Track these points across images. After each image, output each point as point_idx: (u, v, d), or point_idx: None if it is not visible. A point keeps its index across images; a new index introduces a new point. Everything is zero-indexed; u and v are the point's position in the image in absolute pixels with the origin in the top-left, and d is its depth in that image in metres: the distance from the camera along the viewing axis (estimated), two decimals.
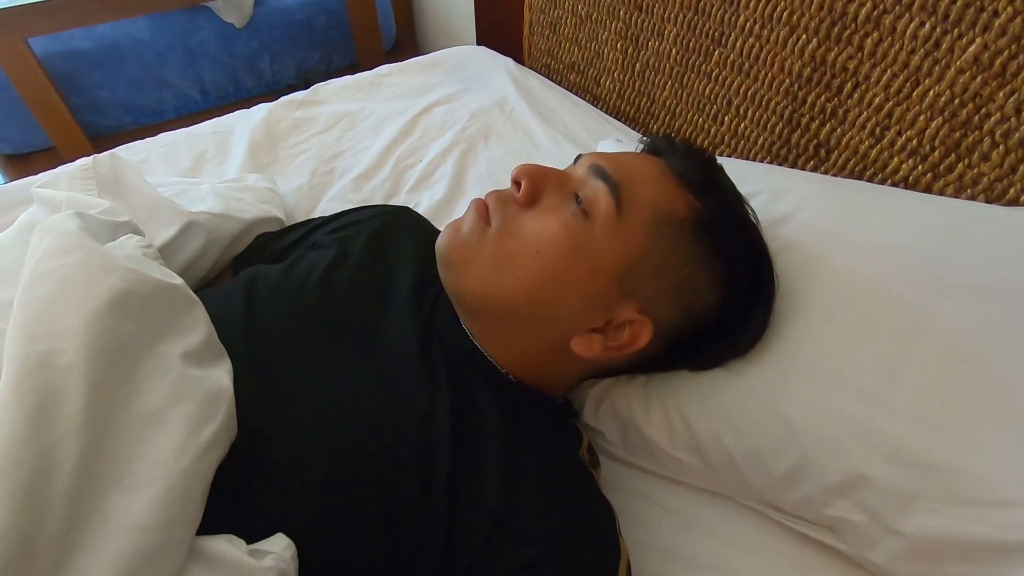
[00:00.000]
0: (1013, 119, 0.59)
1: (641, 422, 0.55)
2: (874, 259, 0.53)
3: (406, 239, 0.61)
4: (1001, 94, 0.59)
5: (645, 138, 0.56)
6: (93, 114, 1.41)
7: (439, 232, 0.69)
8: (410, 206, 0.86)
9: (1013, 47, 0.56)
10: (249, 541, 0.37)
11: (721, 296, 0.49)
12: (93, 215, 0.48)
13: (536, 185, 0.48)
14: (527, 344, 0.50)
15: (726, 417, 0.50)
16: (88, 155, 0.92)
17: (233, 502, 0.39)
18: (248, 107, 1.04)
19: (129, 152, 0.93)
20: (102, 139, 1.41)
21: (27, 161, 1.40)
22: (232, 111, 1.03)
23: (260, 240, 0.69)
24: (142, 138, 0.98)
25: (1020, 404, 0.43)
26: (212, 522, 0.37)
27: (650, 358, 0.52)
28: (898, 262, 0.52)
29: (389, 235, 0.61)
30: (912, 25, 0.63)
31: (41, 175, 0.87)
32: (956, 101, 0.62)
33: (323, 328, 0.50)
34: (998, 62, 0.58)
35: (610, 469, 0.58)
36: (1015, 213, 0.56)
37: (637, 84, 1.01)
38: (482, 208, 0.49)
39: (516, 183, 0.48)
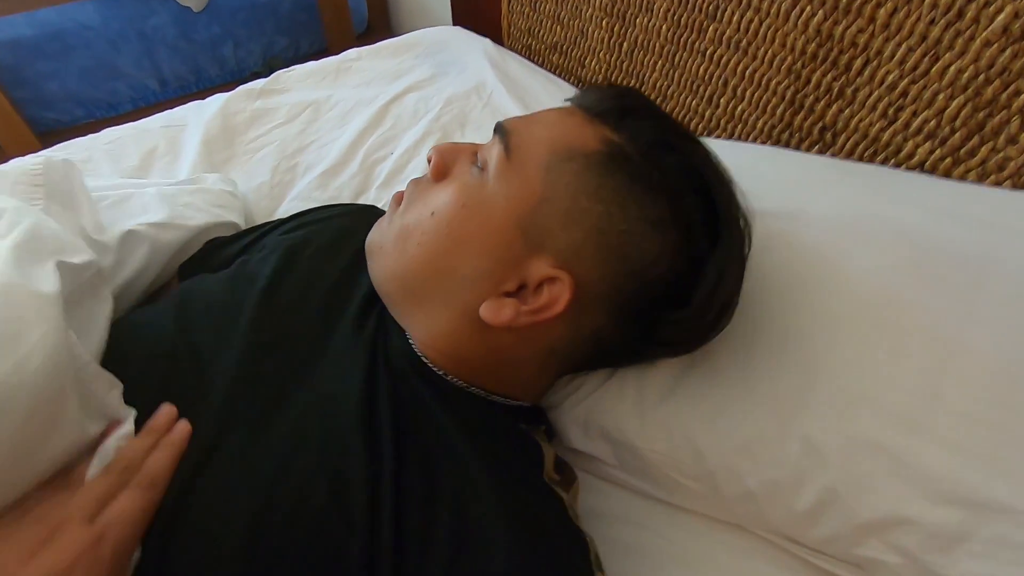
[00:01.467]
0: None
1: (640, 446, 0.49)
2: (901, 259, 0.47)
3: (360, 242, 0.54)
4: None
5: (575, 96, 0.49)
6: (41, 108, 1.31)
7: None
8: (380, 203, 0.79)
9: None
10: None
11: (663, 241, 0.40)
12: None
13: (445, 160, 0.46)
14: (446, 322, 0.44)
15: (741, 443, 0.44)
16: (35, 152, 0.84)
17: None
18: (197, 100, 0.96)
19: (71, 150, 0.85)
20: (52, 134, 1.31)
21: None
22: (193, 100, 0.95)
23: (209, 246, 0.62)
24: (95, 132, 0.89)
25: None
26: None
27: (607, 337, 0.43)
28: (930, 263, 0.46)
29: (347, 239, 0.54)
30: None
31: None
32: (981, 77, 0.56)
33: (258, 354, 0.43)
34: None
35: (601, 493, 0.52)
36: None
37: (625, 65, 0.93)
38: (398, 195, 0.49)
39: (429, 160, 0.46)
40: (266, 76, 1.01)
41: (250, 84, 0.97)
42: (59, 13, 1.25)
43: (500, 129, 0.44)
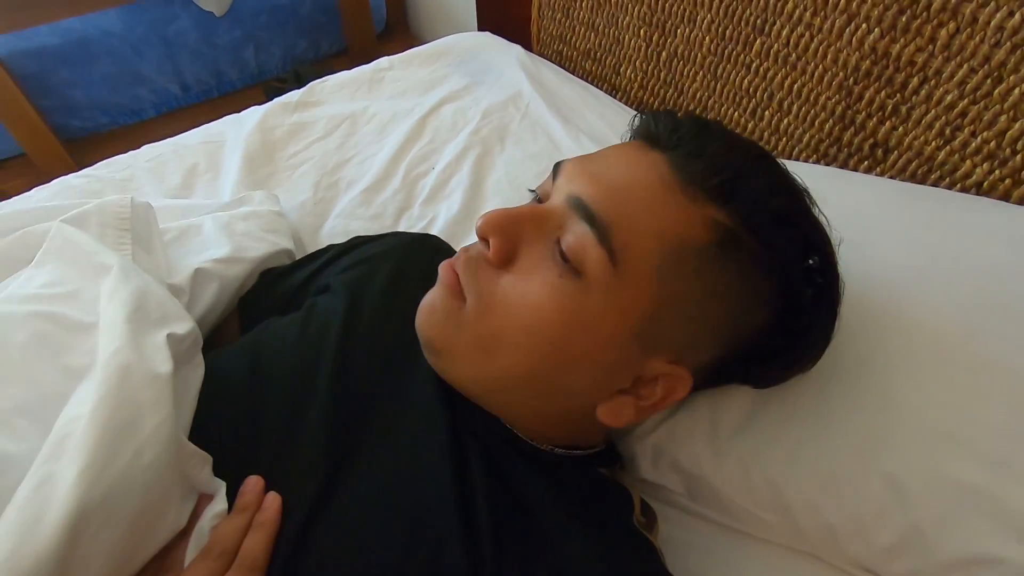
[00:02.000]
0: None
1: (713, 479, 0.49)
2: (985, 288, 0.47)
3: (416, 280, 0.51)
4: None
5: (639, 115, 0.44)
6: (66, 116, 1.30)
7: None
8: (424, 221, 0.79)
9: None
10: None
11: (772, 312, 0.39)
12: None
13: (509, 240, 0.39)
14: (550, 416, 0.43)
15: (821, 479, 0.45)
16: (62, 160, 0.83)
17: None
18: (233, 100, 0.96)
19: (112, 168, 0.84)
20: (78, 142, 1.30)
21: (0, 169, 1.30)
22: (216, 106, 0.95)
23: (267, 278, 0.62)
24: (121, 139, 0.90)
25: None
26: None
27: (699, 386, 0.43)
28: (1009, 295, 0.46)
29: (406, 279, 0.53)
30: (999, 15, 0.56)
31: (17, 200, 0.78)
32: None
33: (342, 410, 0.42)
34: None
35: (671, 522, 0.53)
36: None
37: (663, 74, 0.93)
38: (451, 280, 0.40)
39: (484, 239, 0.39)
40: (288, 79, 1.01)
41: (285, 97, 0.97)
42: (82, 21, 1.24)
43: (591, 217, 0.37)
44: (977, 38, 0.58)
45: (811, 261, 0.39)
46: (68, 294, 0.44)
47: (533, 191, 0.45)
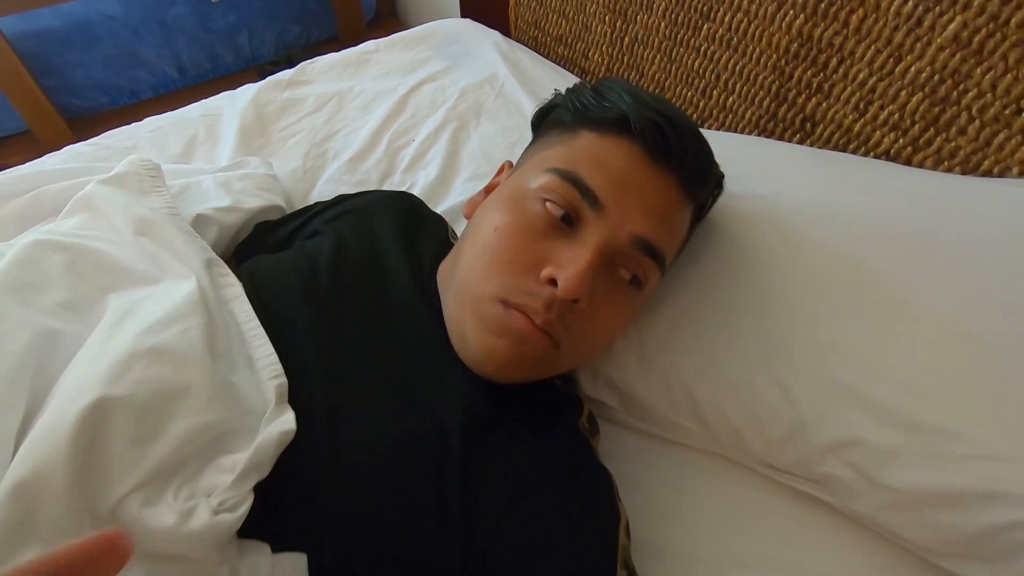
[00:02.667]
0: (989, 95, 0.62)
1: (641, 392, 0.58)
2: (864, 229, 0.56)
3: (388, 221, 0.62)
4: (978, 71, 0.61)
5: (647, 122, 0.47)
6: (68, 95, 1.37)
7: (439, 216, 0.71)
8: (404, 186, 0.87)
9: (991, 25, 0.59)
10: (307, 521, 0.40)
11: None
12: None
13: (593, 292, 0.45)
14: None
15: (727, 384, 0.54)
16: (66, 137, 0.91)
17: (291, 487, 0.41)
18: (227, 83, 1.03)
19: (117, 139, 0.92)
20: (79, 121, 1.37)
21: (4, 145, 1.36)
22: (211, 88, 1.02)
23: (260, 229, 0.70)
24: (120, 118, 0.97)
25: (1000, 370, 0.47)
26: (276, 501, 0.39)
27: None
28: (888, 236, 0.55)
29: (374, 219, 0.62)
30: (896, 3, 0.65)
31: (31, 164, 0.86)
32: (936, 77, 0.65)
33: (334, 315, 0.50)
34: (976, 40, 0.60)
35: (610, 435, 0.62)
36: (989, 185, 0.59)
37: (626, 58, 1.01)
38: (541, 336, 0.45)
39: (572, 300, 0.44)
40: (280, 63, 1.08)
41: (277, 76, 1.04)
42: (84, 5, 1.31)
43: (654, 254, 0.47)
44: (881, 22, 0.67)
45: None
46: (98, 237, 0.52)
47: (547, 202, 0.47)
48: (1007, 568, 0.45)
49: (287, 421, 0.41)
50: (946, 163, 0.68)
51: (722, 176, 0.56)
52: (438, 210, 0.79)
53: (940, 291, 0.51)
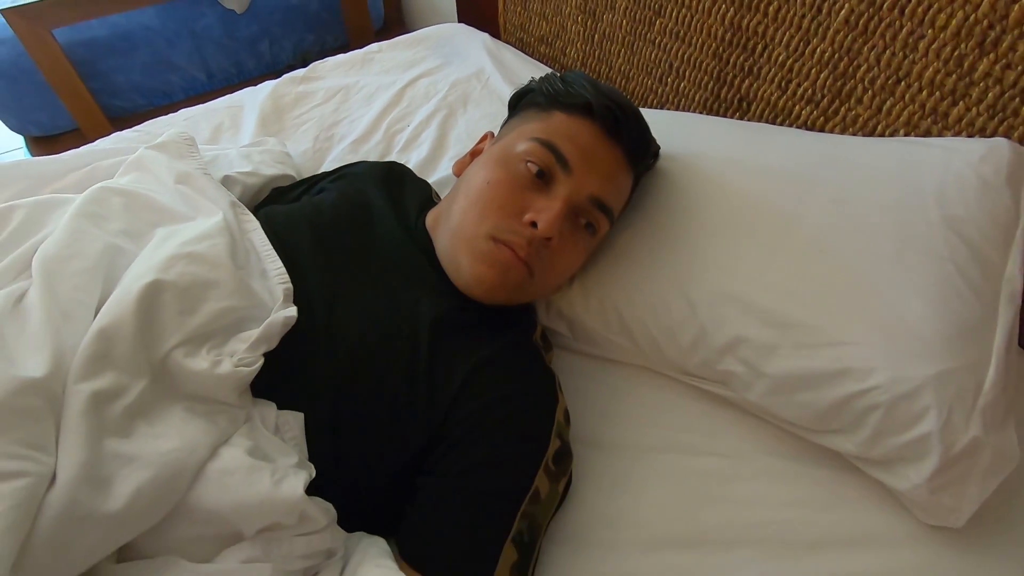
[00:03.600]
0: (876, 68, 0.73)
1: (583, 317, 0.71)
2: (760, 179, 0.68)
3: (373, 178, 0.77)
4: (865, 48, 0.73)
5: (605, 108, 0.62)
6: (110, 97, 1.54)
7: (423, 180, 0.85)
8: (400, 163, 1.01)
9: (870, 9, 0.71)
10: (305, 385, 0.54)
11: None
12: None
13: (561, 233, 0.59)
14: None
15: (647, 304, 0.66)
16: (108, 134, 1.07)
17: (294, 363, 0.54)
18: (250, 87, 1.18)
19: (156, 126, 1.07)
20: (119, 120, 1.54)
21: (54, 142, 1.54)
22: (236, 90, 1.18)
23: (274, 193, 0.85)
24: (154, 118, 1.12)
25: (854, 277, 0.59)
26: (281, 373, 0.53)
27: None
28: (779, 181, 0.67)
29: (363, 181, 0.76)
30: None
31: (87, 147, 1.02)
32: (836, 55, 0.77)
33: (332, 244, 0.64)
34: (861, 22, 0.72)
35: (562, 359, 0.74)
36: (872, 142, 0.71)
37: (597, 53, 1.15)
38: (519, 264, 0.58)
39: (546, 237, 0.58)
40: (298, 66, 1.24)
41: (293, 73, 1.20)
42: (126, 17, 1.48)
43: (606, 209, 0.62)
44: (793, 10, 0.79)
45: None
46: (148, 187, 0.66)
47: (530, 163, 0.61)
48: (858, 435, 0.56)
49: (291, 311, 0.55)
50: (851, 129, 0.79)
51: (658, 148, 0.71)
52: (430, 180, 0.93)
53: (814, 220, 0.63)
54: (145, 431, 0.45)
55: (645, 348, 0.68)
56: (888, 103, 0.74)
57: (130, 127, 1.08)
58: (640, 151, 0.67)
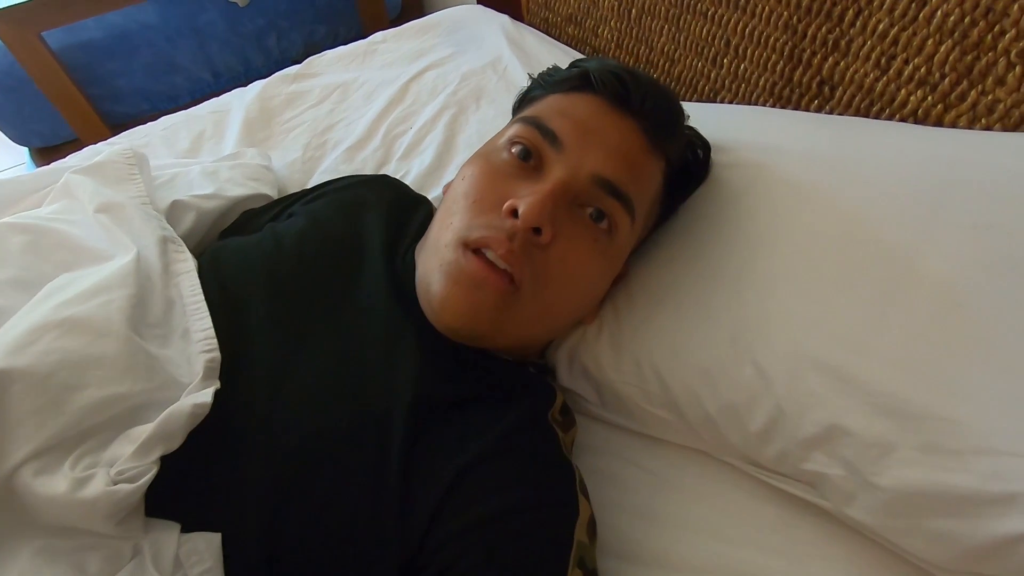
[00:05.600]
0: None
1: (614, 381, 0.54)
2: (864, 197, 0.49)
3: (379, 203, 0.61)
4: (1016, 7, 0.52)
5: (600, 73, 0.50)
6: (112, 103, 1.45)
7: (418, 195, 0.69)
8: (399, 174, 0.86)
9: None
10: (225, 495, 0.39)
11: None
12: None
13: (554, 222, 0.44)
14: (539, 341, 0.56)
15: (699, 368, 0.48)
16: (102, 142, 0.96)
17: (209, 464, 0.40)
18: (240, 88, 1.05)
19: (132, 137, 0.96)
20: (122, 127, 1.44)
21: (57, 152, 1.46)
22: None
23: (245, 216, 0.70)
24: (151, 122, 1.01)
25: (1012, 344, 0.40)
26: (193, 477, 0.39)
27: None
28: (890, 200, 0.48)
29: (361, 201, 0.61)
30: None
31: (67, 159, 0.91)
32: (967, 20, 0.56)
33: (292, 295, 0.50)
34: None
35: (588, 430, 0.57)
36: (1020, 140, 0.50)
37: (635, 31, 0.96)
38: (496, 277, 0.43)
39: (533, 228, 0.43)
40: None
41: (286, 70, 1.06)
42: (123, 15, 1.38)
43: (619, 194, 0.47)
44: None
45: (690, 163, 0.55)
46: (64, 219, 0.53)
47: (513, 145, 0.49)
48: None
49: (205, 395, 0.40)
50: (983, 120, 0.58)
51: (703, 140, 0.54)
52: (430, 196, 0.77)
53: (948, 259, 0.43)
54: None
55: (698, 428, 0.51)
56: None
57: None
58: (663, 123, 0.50)
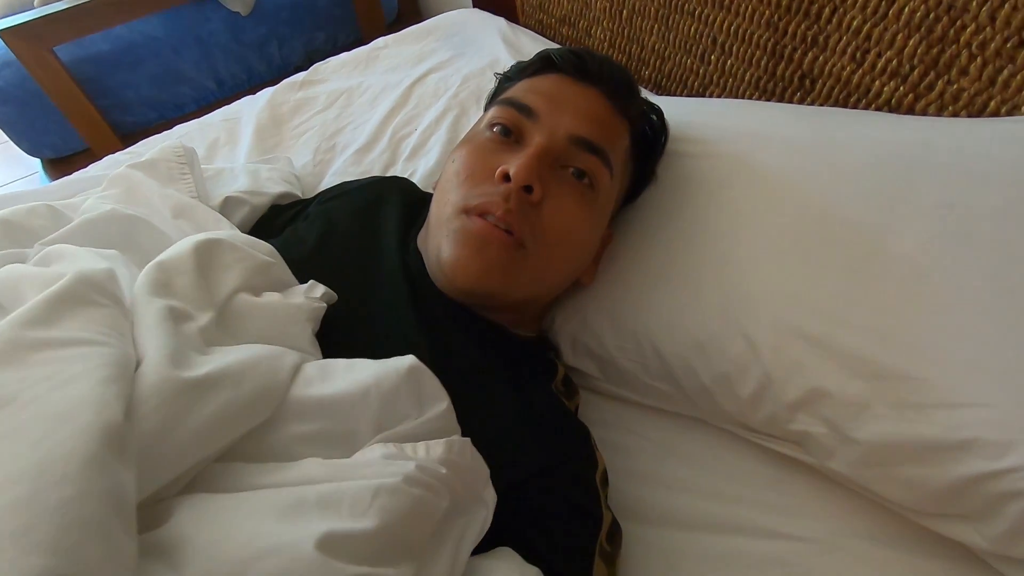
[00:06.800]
0: (988, 28, 0.57)
1: (616, 357, 0.58)
2: (838, 181, 0.54)
3: (392, 202, 0.65)
4: (974, 3, 0.57)
5: (560, 54, 0.58)
6: (121, 113, 1.49)
7: (427, 193, 0.73)
8: (406, 174, 0.90)
9: None
10: None
11: (633, 164, 0.60)
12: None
13: (542, 180, 0.49)
14: (540, 305, 0.59)
15: (693, 341, 0.53)
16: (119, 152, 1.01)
17: None
18: (249, 96, 1.09)
19: (149, 146, 1.00)
20: (130, 136, 1.49)
21: (68, 163, 1.50)
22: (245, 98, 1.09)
23: (272, 211, 0.75)
24: (167, 130, 1.05)
25: (971, 310, 0.44)
26: None
27: None
28: (862, 183, 0.53)
29: (374, 201, 0.65)
30: None
31: (88, 168, 0.96)
32: (931, 15, 0.61)
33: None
34: None
35: (593, 404, 0.62)
36: (983, 125, 0.55)
37: (626, 31, 1.00)
38: (501, 236, 0.48)
39: (525, 187, 0.48)
40: (307, 68, 1.14)
41: (293, 77, 1.10)
42: (130, 28, 1.42)
43: (594, 149, 0.52)
44: None
45: (649, 127, 0.62)
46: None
47: (494, 126, 0.54)
48: (992, 526, 0.42)
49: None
50: (950, 107, 0.63)
51: (656, 106, 0.63)
52: None
53: (912, 233, 0.48)
54: (223, 351, 0.38)
55: (694, 397, 0.55)
56: (1006, 73, 0.57)
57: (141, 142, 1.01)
58: (621, 88, 0.57)
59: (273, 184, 0.76)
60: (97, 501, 0.24)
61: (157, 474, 0.30)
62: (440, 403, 0.39)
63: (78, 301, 0.33)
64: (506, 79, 0.63)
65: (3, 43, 1.24)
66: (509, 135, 0.53)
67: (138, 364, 0.33)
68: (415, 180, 0.88)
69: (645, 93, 0.67)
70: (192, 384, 0.32)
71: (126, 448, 0.27)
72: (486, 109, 0.63)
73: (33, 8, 1.32)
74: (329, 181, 0.92)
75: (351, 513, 0.30)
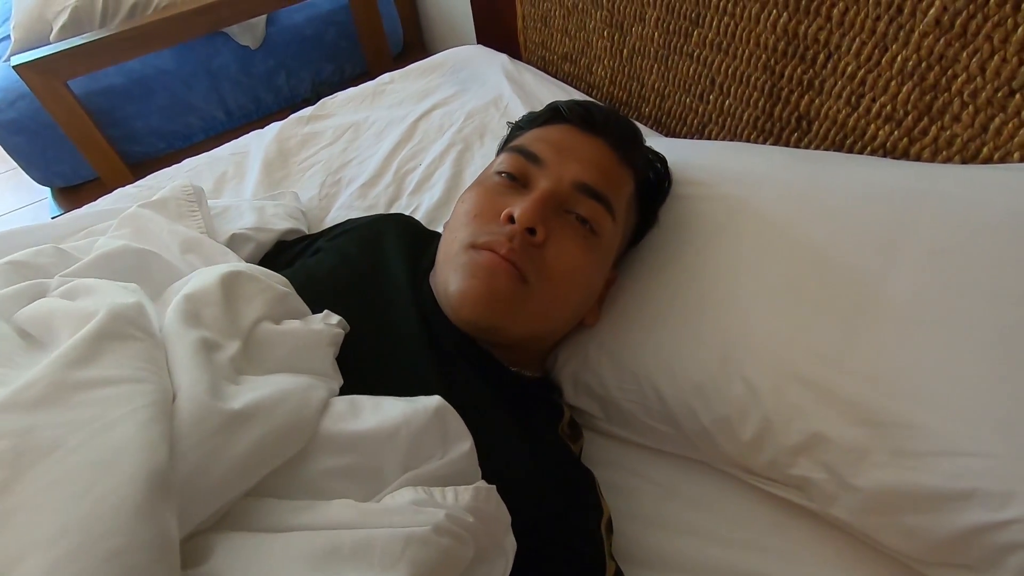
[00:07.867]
0: (979, 78, 0.59)
1: (617, 398, 0.59)
2: (835, 226, 0.55)
3: (397, 239, 0.66)
4: (964, 54, 0.59)
5: (567, 106, 0.61)
6: (130, 143, 1.52)
7: (432, 232, 0.75)
8: (410, 209, 0.92)
9: (971, 7, 0.56)
10: None
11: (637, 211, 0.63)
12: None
13: (547, 223, 0.52)
14: (542, 346, 0.60)
15: (693, 384, 0.54)
16: (129, 181, 1.02)
17: None
18: (270, 122, 1.12)
19: (159, 179, 1.02)
20: (139, 165, 1.52)
21: (77, 192, 1.53)
22: (255, 128, 1.11)
23: (278, 247, 0.76)
24: (175, 160, 1.07)
25: (969, 358, 0.45)
26: None
27: None
28: (858, 228, 0.54)
29: (380, 237, 0.66)
30: None
31: (97, 202, 0.97)
32: (923, 64, 0.63)
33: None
34: (958, 23, 0.58)
35: (596, 444, 0.62)
36: (977, 172, 0.56)
37: (627, 69, 1.02)
38: (509, 269, 0.50)
39: (528, 229, 0.50)
40: (313, 100, 1.16)
41: (300, 112, 1.12)
42: (142, 62, 1.45)
43: (597, 195, 0.54)
44: (863, 13, 0.65)
45: (653, 174, 0.64)
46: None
47: (502, 173, 0.57)
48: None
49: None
50: (944, 152, 0.64)
51: (660, 154, 0.65)
52: (440, 228, 0.82)
53: (907, 279, 0.49)
54: (253, 381, 0.39)
55: (695, 440, 0.56)
56: (997, 121, 0.59)
57: (151, 172, 1.03)
58: (625, 138, 0.61)
59: (279, 220, 0.78)
60: (145, 550, 0.25)
61: (197, 509, 0.31)
62: (463, 443, 0.40)
63: (115, 337, 0.34)
64: (517, 128, 0.67)
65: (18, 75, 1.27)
66: (516, 180, 0.55)
67: (174, 395, 0.34)
68: (420, 214, 0.90)
69: (646, 131, 0.70)
70: (230, 417, 0.33)
71: (170, 489, 0.28)
72: (497, 155, 0.65)
73: (49, 43, 1.36)
74: (335, 214, 0.93)
75: (381, 563, 0.31)
